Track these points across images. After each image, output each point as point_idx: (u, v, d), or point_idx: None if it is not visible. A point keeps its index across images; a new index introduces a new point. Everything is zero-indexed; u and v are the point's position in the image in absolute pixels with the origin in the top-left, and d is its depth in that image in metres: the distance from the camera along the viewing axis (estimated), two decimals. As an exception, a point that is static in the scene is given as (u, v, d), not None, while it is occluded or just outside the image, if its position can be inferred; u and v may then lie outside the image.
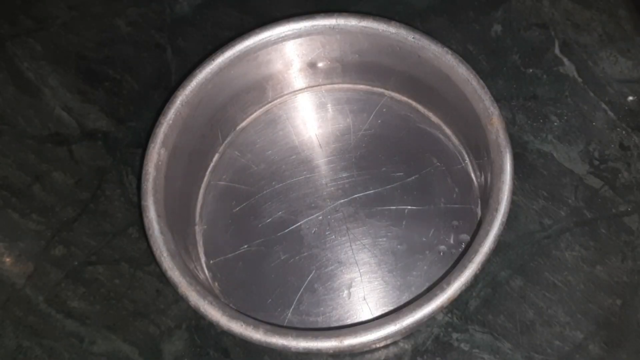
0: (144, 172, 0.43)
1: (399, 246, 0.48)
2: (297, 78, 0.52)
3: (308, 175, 0.51)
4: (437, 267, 0.47)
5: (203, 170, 0.51)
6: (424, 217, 0.49)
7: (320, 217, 0.49)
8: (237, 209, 0.50)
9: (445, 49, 0.44)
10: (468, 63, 0.44)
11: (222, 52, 0.46)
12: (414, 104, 0.52)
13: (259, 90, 0.52)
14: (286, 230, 0.49)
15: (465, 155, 0.50)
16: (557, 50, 0.55)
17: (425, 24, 0.57)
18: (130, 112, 0.55)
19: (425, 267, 0.47)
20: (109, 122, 0.55)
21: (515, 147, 0.44)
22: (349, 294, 0.47)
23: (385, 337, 0.38)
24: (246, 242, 0.49)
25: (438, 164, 0.50)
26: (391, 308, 0.46)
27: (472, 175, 0.50)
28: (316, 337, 0.38)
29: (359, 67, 0.51)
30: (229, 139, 0.52)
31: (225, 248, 0.49)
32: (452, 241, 0.47)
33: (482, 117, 0.43)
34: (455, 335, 0.46)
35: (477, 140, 0.45)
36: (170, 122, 0.44)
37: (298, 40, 0.48)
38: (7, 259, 0.51)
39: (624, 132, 0.51)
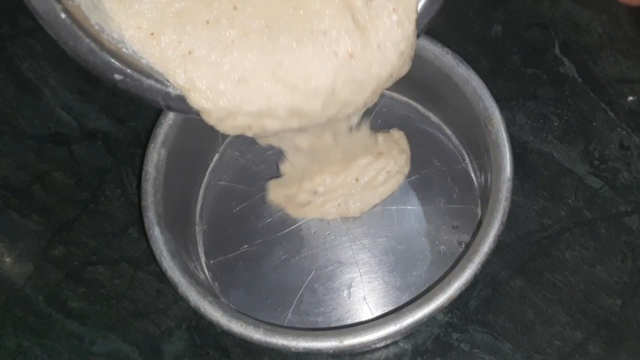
0: (144, 172, 0.43)
1: (399, 246, 0.48)
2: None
3: (308, 175, 0.51)
4: (437, 267, 0.47)
5: (203, 170, 0.51)
6: (424, 217, 0.49)
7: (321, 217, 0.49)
8: (237, 209, 0.50)
9: (445, 49, 0.44)
10: (468, 63, 0.44)
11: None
12: (414, 104, 0.52)
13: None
14: (286, 230, 0.49)
15: (465, 155, 0.50)
16: (557, 50, 0.55)
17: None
18: (130, 112, 0.55)
19: (425, 267, 0.47)
20: (109, 122, 0.55)
21: (515, 147, 0.44)
22: (349, 294, 0.47)
23: (385, 337, 0.38)
24: (246, 242, 0.49)
25: (438, 164, 0.50)
26: (391, 308, 0.46)
27: (472, 175, 0.50)
28: (316, 337, 0.38)
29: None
30: (229, 139, 0.52)
31: (225, 248, 0.49)
32: (452, 241, 0.47)
33: (482, 117, 0.43)
34: (455, 335, 0.46)
35: (477, 140, 0.45)
36: (170, 122, 0.44)
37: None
38: (7, 259, 0.51)
39: (624, 132, 0.51)
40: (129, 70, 0.30)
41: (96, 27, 0.30)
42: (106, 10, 0.30)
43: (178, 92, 0.30)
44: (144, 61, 0.30)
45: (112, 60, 0.29)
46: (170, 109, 0.31)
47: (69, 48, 0.29)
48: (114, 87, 0.30)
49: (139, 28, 0.30)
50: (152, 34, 0.30)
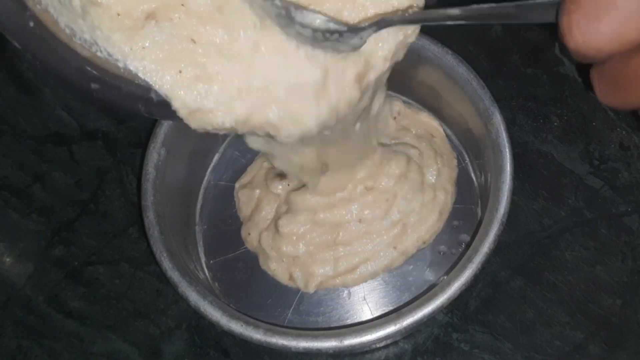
0: (144, 172, 0.43)
1: (399, 246, 0.48)
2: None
3: (308, 175, 0.51)
4: (437, 267, 0.47)
5: (203, 170, 0.51)
6: (424, 217, 0.48)
7: (320, 217, 0.49)
8: (237, 209, 0.50)
9: (445, 49, 0.44)
10: (468, 63, 0.44)
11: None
12: (414, 104, 0.52)
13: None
14: (286, 230, 0.49)
15: (465, 155, 0.50)
16: (557, 50, 0.55)
17: (424, 23, 0.57)
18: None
19: (425, 267, 0.47)
20: (109, 122, 0.55)
21: (515, 147, 0.44)
22: (349, 294, 0.47)
23: (385, 337, 0.38)
24: (246, 242, 0.49)
25: (438, 164, 0.50)
26: (391, 308, 0.46)
27: (472, 175, 0.50)
28: (316, 337, 0.38)
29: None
30: (229, 139, 0.52)
31: (225, 248, 0.49)
32: (452, 241, 0.47)
33: (482, 117, 0.43)
34: (455, 335, 0.46)
35: (477, 140, 0.45)
36: (171, 122, 0.44)
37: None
38: (7, 259, 0.51)
39: (624, 132, 0.51)
40: (106, 78, 0.27)
41: (67, 31, 0.27)
42: (74, 8, 0.27)
43: (161, 97, 0.28)
44: (120, 64, 0.27)
45: (88, 68, 0.27)
46: (151, 115, 0.29)
47: (39, 59, 0.26)
48: (89, 96, 0.27)
49: (143, 48, 0.27)
50: (176, 67, 0.27)
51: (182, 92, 0.27)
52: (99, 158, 0.54)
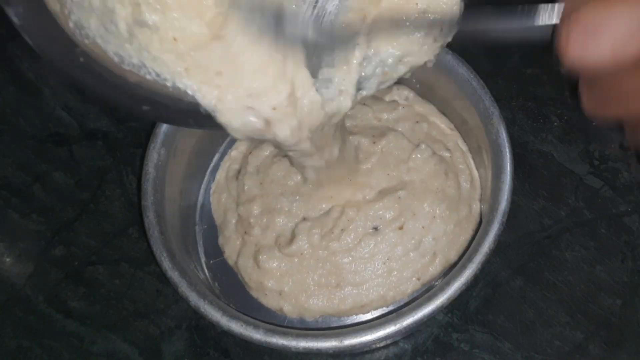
0: (144, 172, 0.43)
1: (399, 246, 0.47)
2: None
3: (308, 175, 0.51)
4: (437, 267, 0.46)
5: (203, 170, 0.51)
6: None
7: (320, 217, 0.49)
8: (237, 209, 0.50)
9: (445, 49, 0.44)
10: (468, 63, 0.44)
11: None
12: (414, 104, 0.52)
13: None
14: (286, 230, 0.49)
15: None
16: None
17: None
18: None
19: (425, 267, 0.47)
20: (109, 122, 0.55)
21: (515, 147, 0.44)
22: (349, 294, 0.47)
23: (385, 337, 0.38)
24: (246, 242, 0.49)
25: (438, 164, 0.50)
26: (391, 308, 0.46)
27: (472, 175, 0.49)
28: (316, 337, 0.38)
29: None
30: (228, 138, 0.52)
31: (225, 248, 0.49)
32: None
33: (482, 117, 0.43)
34: (455, 335, 0.46)
35: (477, 140, 0.45)
36: (170, 122, 0.44)
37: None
38: (7, 259, 0.51)
39: (624, 132, 0.51)
40: (156, 99, 0.29)
41: (115, 59, 0.28)
42: (121, 33, 0.28)
43: (207, 110, 0.29)
44: (169, 83, 0.28)
45: (139, 92, 0.28)
46: (201, 127, 0.30)
47: (91, 90, 0.28)
48: (140, 116, 0.29)
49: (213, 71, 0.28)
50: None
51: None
52: (99, 158, 0.54)
